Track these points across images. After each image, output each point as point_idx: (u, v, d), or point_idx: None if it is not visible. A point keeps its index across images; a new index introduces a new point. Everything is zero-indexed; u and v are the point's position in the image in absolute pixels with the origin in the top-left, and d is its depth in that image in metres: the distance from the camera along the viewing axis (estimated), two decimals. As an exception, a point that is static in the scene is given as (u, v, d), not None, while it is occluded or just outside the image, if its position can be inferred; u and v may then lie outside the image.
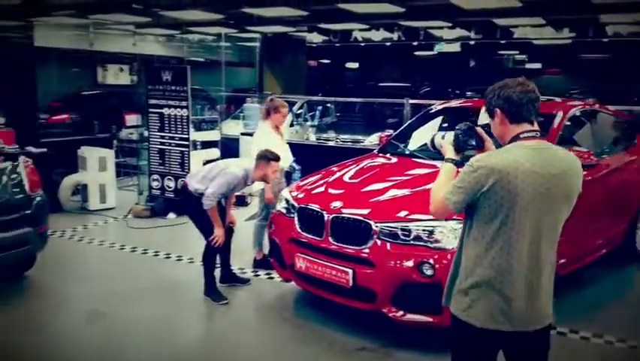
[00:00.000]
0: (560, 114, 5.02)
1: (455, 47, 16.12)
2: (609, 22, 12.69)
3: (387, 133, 6.27)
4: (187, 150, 7.76)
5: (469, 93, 16.13)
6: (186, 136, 7.75)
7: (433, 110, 6.05)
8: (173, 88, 7.76)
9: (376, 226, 4.02)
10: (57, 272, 5.56)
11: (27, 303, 4.86)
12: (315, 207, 4.39)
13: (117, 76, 19.42)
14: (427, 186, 3.14)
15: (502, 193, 2.19)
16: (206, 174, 4.90)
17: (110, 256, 6.28)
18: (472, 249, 2.31)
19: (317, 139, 11.49)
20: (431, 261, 3.79)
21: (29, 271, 5.30)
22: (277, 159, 4.91)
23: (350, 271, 4.05)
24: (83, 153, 8.12)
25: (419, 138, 5.45)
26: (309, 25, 12.17)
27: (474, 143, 2.47)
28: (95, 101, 14.60)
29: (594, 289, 5.29)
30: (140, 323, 4.54)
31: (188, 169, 7.76)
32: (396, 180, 4.65)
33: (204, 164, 6.52)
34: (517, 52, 24.48)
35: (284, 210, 4.72)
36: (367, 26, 12.09)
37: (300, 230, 4.45)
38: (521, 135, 2.30)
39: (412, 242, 3.94)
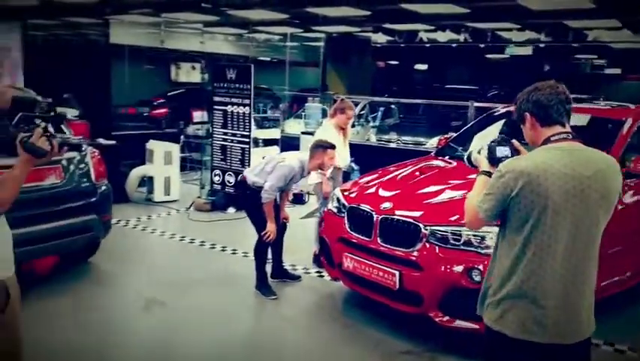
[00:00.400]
0: (630, 121, 4.78)
1: (527, 50, 15.58)
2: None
3: (446, 136, 6.18)
4: (247, 146, 7.94)
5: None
6: (247, 133, 7.92)
7: (496, 114, 5.92)
8: (237, 86, 7.95)
9: (426, 229, 3.97)
10: (119, 259, 5.83)
11: (90, 288, 5.11)
12: (364, 207, 4.39)
13: (189, 74, 20.12)
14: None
15: (531, 197, 2.11)
16: (264, 168, 4.99)
17: (169, 246, 6.52)
18: (505, 257, 2.24)
19: (377, 140, 11.45)
20: (481, 267, 3.71)
21: (93, 257, 5.58)
22: (333, 147, 4.94)
23: (397, 273, 4.02)
24: (151, 147, 8.45)
25: (479, 142, 5.33)
26: (374, 25, 12.11)
27: (508, 155, 2.41)
28: (185, 97, 15.32)
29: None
30: (192, 312, 4.69)
31: (248, 166, 7.93)
32: (450, 184, 4.57)
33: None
34: (596, 56, 23.39)
35: (335, 210, 4.75)
36: (433, 27, 11.91)
37: (349, 230, 4.46)
38: (552, 138, 2.22)
39: (461, 247, 3.86)
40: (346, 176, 6.17)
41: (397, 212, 4.19)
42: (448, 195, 4.37)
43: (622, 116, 4.91)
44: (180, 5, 9.52)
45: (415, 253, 3.98)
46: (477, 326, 3.74)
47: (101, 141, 8.24)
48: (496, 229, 3.69)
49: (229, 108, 8.06)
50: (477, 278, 3.71)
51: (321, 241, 4.94)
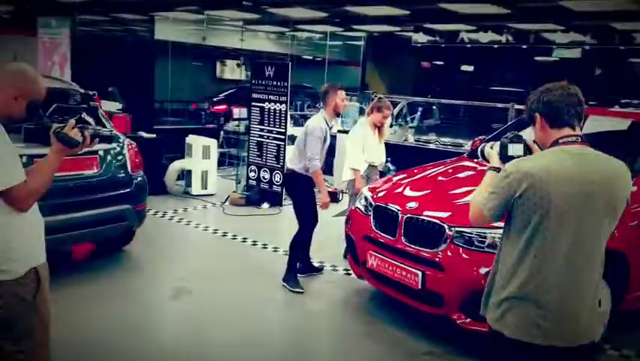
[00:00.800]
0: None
1: (576, 53, 15.14)
2: None
3: (480, 137, 6.11)
4: (283, 143, 8.03)
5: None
6: (283, 130, 8.02)
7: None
8: (275, 83, 8.06)
9: (450, 230, 3.95)
10: (153, 249, 6.01)
11: (124, 275, 5.29)
12: (390, 206, 4.40)
13: (233, 71, 20.41)
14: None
15: (534, 199, 2.10)
16: (296, 151, 5.17)
17: (202, 238, 6.67)
18: (507, 257, 2.23)
19: (416, 141, 11.36)
20: (504, 270, 3.66)
21: (128, 246, 5.77)
22: (341, 87, 5.20)
23: (419, 273, 4.02)
24: (190, 141, 8.65)
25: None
26: (414, 24, 12.02)
27: (520, 153, 2.38)
28: (238, 94, 15.75)
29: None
30: (220, 302, 4.80)
31: (283, 162, 8.03)
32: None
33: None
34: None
35: (362, 208, 4.77)
36: (474, 28, 11.73)
37: (374, 228, 4.48)
38: (560, 140, 2.19)
39: (486, 249, 3.83)
40: (382, 176, 6.18)
41: (423, 212, 4.18)
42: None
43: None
44: (222, 3, 9.69)
45: (439, 254, 3.96)
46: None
47: (142, 134, 8.51)
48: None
49: (266, 105, 8.18)
50: (500, 281, 3.67)
51: (347, 239, 4.97)
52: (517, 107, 8.57)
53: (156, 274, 5.37)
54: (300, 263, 5.39)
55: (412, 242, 4.16)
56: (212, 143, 8.74)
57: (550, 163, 2.12)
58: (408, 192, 4.57)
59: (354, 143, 5.76)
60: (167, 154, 8.80)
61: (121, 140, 5.17)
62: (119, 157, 5.06)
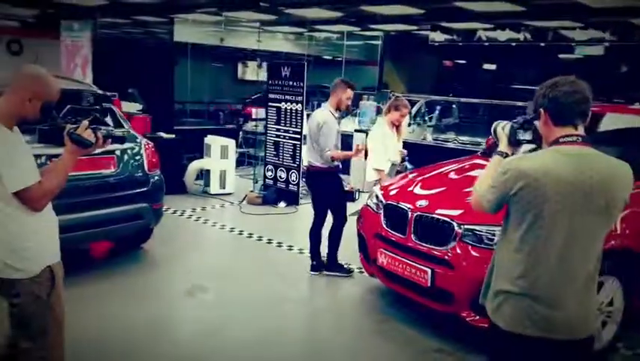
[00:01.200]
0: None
1: (599, 50, 14.89)
2: None
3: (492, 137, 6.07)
4: (299, 143, 8.09)
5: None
6: (299, 130, 8.08)
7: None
8: (291, 83, 8.13)
9: (459, 228, 3.96)
10: (171, 247, 6.12)
11: (141, 272, 5.41)
12: (400, 204, 4.42)
13: (254, 72, 20.55)
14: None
15: (528, 199, 2.12)
16: (314, 147, 5.29)
17: (219, 236, 6.78)
18: (504, 251, 2.27)
19: (434, 140, 11.33)
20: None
21: (146, 243, 5.89)
22: (353, 87, 5.34)
23: (429, 270, 4.04)
24: (208, 141, 8.77)
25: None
26: (430, 23, 11.97)
27: (529, 138, 2.38)
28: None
29: None
30: (235, 301, 4.87)
31: (299, 162, 8.10)
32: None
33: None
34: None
35: (373, 206, 4.80)
36: (491, 26, 11.64)
37: (385, 226, 4.51)
38: (561, 140, 2.19)
39: (495, 247, 3.82)
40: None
41: (432, 210, 4.20)
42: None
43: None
44: (240, 4, 9.79)
45: (447, 252, 3.98)
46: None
47: (162, 134, 8.64)
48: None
49: (282, 105, 8.26)
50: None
51: (359, 237, 5.01)
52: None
53: (173, 272, 5.47)
54: (313, 260, 5.46)
55: (421, 240, 4.18)
56: (230, 143, 8.85)
57: (548, 163, 2.13)
58: (418, 191, 4.59)
59: (375, 143, 5.80)
60: (187, 154, 8.94)
61: (138, 140, 5.28)
62: (137, 157, 5.17)
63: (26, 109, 2.51)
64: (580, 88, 2.20)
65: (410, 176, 5.07)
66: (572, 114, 2.19)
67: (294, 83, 8.08)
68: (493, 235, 3.85)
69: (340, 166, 5.56)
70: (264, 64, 19.84)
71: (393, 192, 4.71)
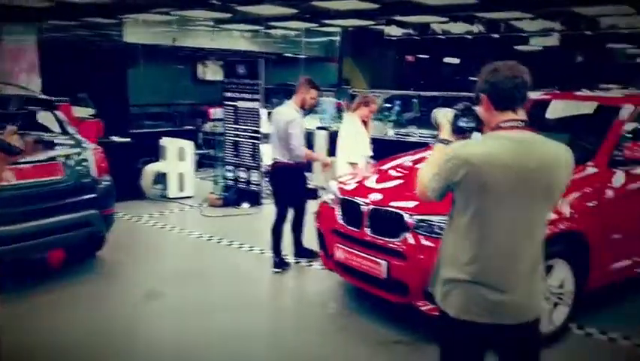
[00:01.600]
0: (629, 107, 4.66)
1: (554, 41, 15.15)
2: None
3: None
4: (258, 142, 8.01)
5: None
6: (257, 128, 8.00)
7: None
8: (247, 81, 8.04)
9: (412, 219, 3.96)
10: (126, 253, 5.97)
11: (97, 280, 5.26)
12: (354, 198, 4.40)
13: (216, 72, 20.31)
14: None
15: (472, 186, 2.13)
16: (281, 143, 5.36)
17: (178, 240, 6.66)
18: (451, 239, 2.26)
19: (395, 134, 11.36)
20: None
21: (101, 251, 5.71)
22: (317, 88, 5.46)
23: (384, 263, 4.03)
24: (164, 143, 8.61)
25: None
26: (385, 17, 12.00)
27: (473, 125, 2.37)
28: None
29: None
30: (192, 305, 4.76)
31: (259, 161, 8.02)
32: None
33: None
34: (630, 45, 22.55)
35: (330, 201, 4.77)
36: (445, 19, 11.73)
37: (341, 221, 4.48)
38: (502, 125, 2.19)
39: (445, 236, 3.83)
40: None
41: (386, 203, 4.19)
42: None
43: (619, 102, 4.80)
44: (190, 3, 9.63)
45: (402, 243, 3.97)
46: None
47: (115, 138, 8.43)
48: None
49: (240, 104, 8.16)
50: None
51: (317, 233, 4.97)
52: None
53: (129, 279, 5.33)
54: (276, 257, 5.46)
55: (376, 233, 4.18)
56: (188, 144, 8.71)
57: (490, 150, 2.13)
58: (373, 184, 4.58)
59: (350, 138, 5.82)
60: (144, 158, 8.75)
61: (85, 145, 5.13)
62: (84, 163, 5.02)
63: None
64: (519, 72, 2.21)
65: (365, 170, 5.05)
66: (512, 99, 2.19)
67: (251, 81, 7.99)
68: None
69: (306, 162, 5.64)
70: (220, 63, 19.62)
71: (348, 187, 4.69)
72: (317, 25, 14.61)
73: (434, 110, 2.57)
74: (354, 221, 4.34)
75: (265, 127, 8.45)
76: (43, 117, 4.84)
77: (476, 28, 11.30)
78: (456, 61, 20.92)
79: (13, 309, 4.31)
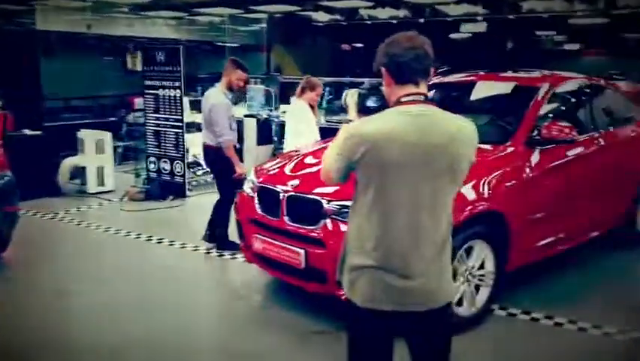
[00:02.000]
0: (545, 87, 4.68)
1: (482, 27, 15.44)
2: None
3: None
4: (181, 131, 7.68)
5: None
6: (180, 117, 7.67)
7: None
8: (167, 69, 7.68)
9: (329, 205, 3.81)
10: (36, 253, 5.56)
11: (2, 282, 4.90)
12: (272, 186, 4.22)
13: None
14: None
15: (372, 164, 1.99)
16: (205, 126, 5.35)
17: (94, 237, 6.26)
18: (355, 223, 2.13)
19: (327, 121, 11.26)
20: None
21: (6, 252, 5.26)
22: (243, 68, 5.37)
23: (302, 251, 3.87)
24: (81, 136, 8.13)
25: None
26: (312, 3, 11.82)
27: (379, 104, 2.24)
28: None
29: (590, 272, 4.96)
30: (106, 303, 4.46)
31: (183, 151, 7.70)
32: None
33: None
34: (555, 32, 23.38)
35: (248, 190, 4.55)
36: (372, 4, 11.66)
37: (258, 210, 4.29)
38: (402, 99, 2.06)
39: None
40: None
41: (303, 190, 4.03)
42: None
43: (538, 82, 4.83)
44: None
45: (318, 230, 3.83)
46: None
47: (26, 131, 7.90)
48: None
49: (160, 92, 7.80)
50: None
51: (237, 224, 4.75)
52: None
53: (39, 279, 4.96)
54: (212, 231, 5.50)
55: (294, 221, 4.01)
56: (106, 136, 8.25)
57: (389, 125, 2.00)
58: (288, 171, 4.40)
59: (301, 123, 5.68)
60: (62, 152, 8.24)
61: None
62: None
63: None
64: (420, 43, 2.08)
65: (284, 156, 4.88)
66: (412, 72, 2.07)
67: (171, 68, 7.64)
68: (364, 209, 3.73)
69: (237, 146, 5.59)
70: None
71: (265, 174, 4.49)
72: (242, 11, 14.23)
73: (345, 92, 2.46)
74: (273, 209, 4.16)
75: (188, 115, 8.15)
76: None
77: (402, 13, 11.30)
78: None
79: None
